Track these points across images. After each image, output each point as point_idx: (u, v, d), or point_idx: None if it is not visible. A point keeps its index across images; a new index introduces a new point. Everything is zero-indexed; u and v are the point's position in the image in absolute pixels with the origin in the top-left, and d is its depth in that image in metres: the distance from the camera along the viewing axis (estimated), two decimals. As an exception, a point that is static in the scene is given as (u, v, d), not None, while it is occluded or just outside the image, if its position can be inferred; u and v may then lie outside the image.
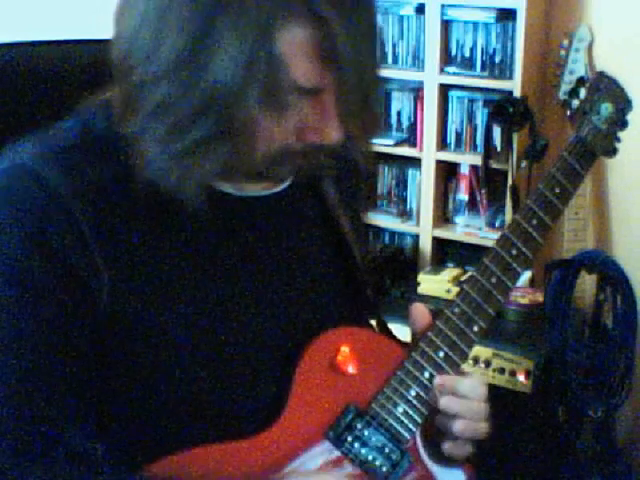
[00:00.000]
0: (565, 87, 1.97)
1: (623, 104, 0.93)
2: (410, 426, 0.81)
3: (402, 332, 0.90)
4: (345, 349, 0.80)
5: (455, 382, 0.82)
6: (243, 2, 0.65)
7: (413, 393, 0.82)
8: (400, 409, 0.81)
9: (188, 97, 0.67)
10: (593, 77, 0.94)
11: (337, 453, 0.79)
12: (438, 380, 0.82)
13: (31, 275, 0.69)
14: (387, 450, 0.80)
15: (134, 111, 0.70)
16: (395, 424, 0.81)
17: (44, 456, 0.69)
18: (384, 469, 0.80)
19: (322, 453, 0.79)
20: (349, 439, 0.80)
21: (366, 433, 0.80)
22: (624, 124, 0.94)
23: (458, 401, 0.81)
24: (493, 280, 0.84)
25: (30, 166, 0.72)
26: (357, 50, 0.68)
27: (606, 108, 0.91)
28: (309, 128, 0.72)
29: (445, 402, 0.81)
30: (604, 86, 0.93)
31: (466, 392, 0.81)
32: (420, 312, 0.85)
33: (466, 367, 0.87)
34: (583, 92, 0.94)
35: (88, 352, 0.72)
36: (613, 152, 0.94)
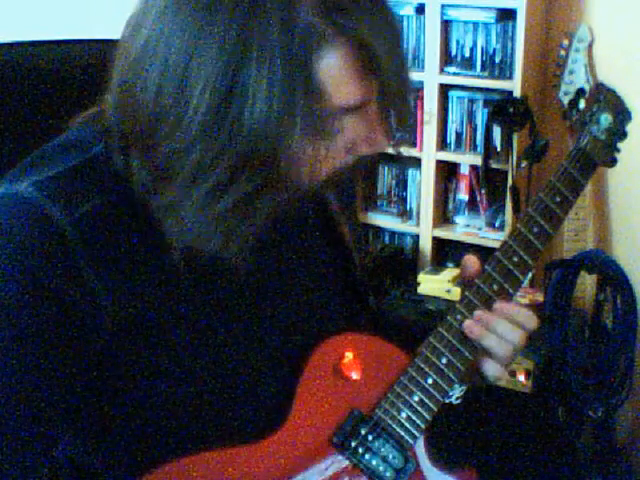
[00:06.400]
0: (565, 87, 1.97)
1: (622, 115, 0.94)
2: (414, 431, 0.81)
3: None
4: (349, 355, 0.80)
5: (514, 310, 0.83)
6: (268, 45, 0.62)
7: (416, 399, 0.82)
8: (404, 415, 0.81)
9: (225, 156, 0.64)
10: (592, 88, 0.95)
11: (345, 462, 0.79)
12: (497, 305, 0.83)
13: (25, 312, 0.66)
14: (391, 456, 0.80)
15: (166, 181, 0.67)
16: (399, 430, 0.81)
17: (44, 458, 0.68)
18: (387, 474, 0.80)
19: (332, 464, 0.79)
20: (353, 444, 0.80)
21: (370, 438, 0.80)
22: (624, 134, 0.94)
23: (509, 326, 0.82)
24: (495, 287, 0.85)
25: (27, 196, 0.68)
26: (392, 53, 0.67)
27: (605, 119, 0.92)
28: (359, 140, 0.71)
29: (500, 324, 0.82)
30: (603, 97, 0.93)
31: (520, 320, 0.83)
32: (471, 261, 0.85)
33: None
34: (582, 103, 0.95)
35: (88, 365, 0.71)
36: (613, 162, 0.95)
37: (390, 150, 0.79)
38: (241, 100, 0.63)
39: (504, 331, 0.82)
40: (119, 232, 0.70)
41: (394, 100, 0.69)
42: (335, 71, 0.65)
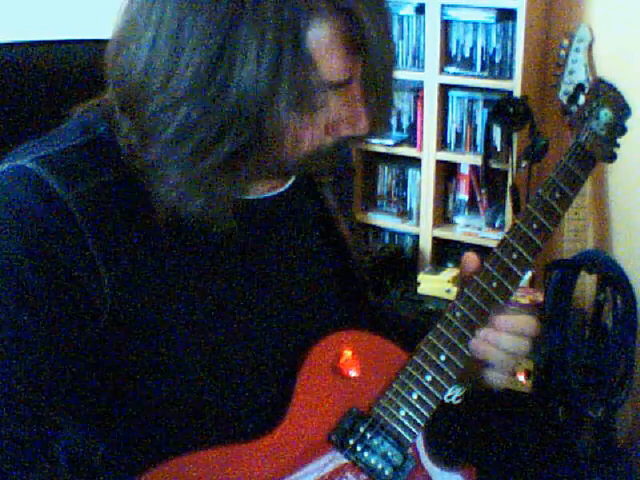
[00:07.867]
0: (565, 87, 1.97)
1: (622, 110, 0.94)
2: (412, 429, 0.81)
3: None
4: (347, 352, 0.80)
5: (513, 321, 0.83)
6: (260, 9, 0.63)
7: (415, 396, 0.82)
8: (402, 412, 0.81)
9: (211, 115, 0.65)
10: (592, 83, 0.95)
11: (344, 460, 0.79)
12: (498, 320, 0.83)
13: (29, 282, 0.68)
14: (390, 453, 0.81)
15: (152, 140, 0.68)
16: (397, 427, 0.81)
17: (43, 456, 0.68)
18: (386, 472, 0.80)
19: (331, 461, 0.79)
20: (351, 442, 0.80)
21: (369, 436, 0.80)
22: (623, 130, 0.94)
23: (512, 338, 0.83)
24: (494, 284, 0.84)
25: (30, 169, 0.70)
26: (380, 35, 0.68)
27: (605, 114, 0.92)
28: (340, 121, 0.72)
29: (505, 339, 0.82)
30: (603, 92, 0.93)
31: (522, 329, 0.83)
32: (470, 259, 0.86)
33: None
34: (582, 98, 0.95)
35: (88, 353, 0.72)
36: (612, 157, 0.95)
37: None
38: (231, 60, 0.64)
39: (509, 344, 0.83)
40: (120, 211, 0.71)
41: (377, 83, 0.70)
42: (323, 43, 0.66)
